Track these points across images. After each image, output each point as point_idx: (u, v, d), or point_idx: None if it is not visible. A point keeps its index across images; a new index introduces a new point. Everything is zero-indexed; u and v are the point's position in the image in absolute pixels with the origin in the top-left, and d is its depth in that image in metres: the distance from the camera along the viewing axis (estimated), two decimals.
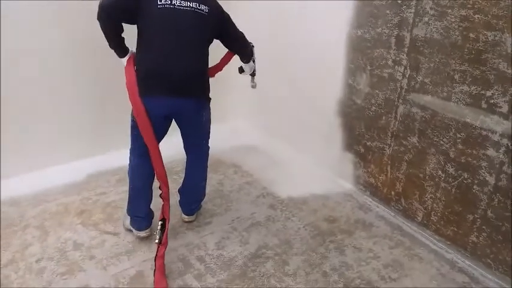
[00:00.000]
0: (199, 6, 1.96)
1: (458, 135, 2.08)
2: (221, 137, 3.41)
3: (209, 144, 2.34)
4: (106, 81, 2.76)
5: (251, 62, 2.39)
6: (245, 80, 3.44)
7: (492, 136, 1.94)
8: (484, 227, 2.06)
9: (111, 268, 2.08)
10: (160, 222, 2.05)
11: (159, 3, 1.90)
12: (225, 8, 2.13)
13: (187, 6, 1.93)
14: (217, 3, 2.11)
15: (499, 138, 1.91)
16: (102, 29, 1.91)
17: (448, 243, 2.26)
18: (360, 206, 2.65)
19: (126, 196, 2.63)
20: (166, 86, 1.97)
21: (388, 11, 2.27)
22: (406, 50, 2.24)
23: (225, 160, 3.16)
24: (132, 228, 2.30)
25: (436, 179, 2.24)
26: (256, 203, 2.65)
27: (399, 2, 2.20)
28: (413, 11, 2.15)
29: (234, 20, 2.18)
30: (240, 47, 2.28)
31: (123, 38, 2.01)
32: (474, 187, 2.07)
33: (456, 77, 2.03)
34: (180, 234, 2.34)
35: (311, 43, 2.83)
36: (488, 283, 2.06)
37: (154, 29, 1.95)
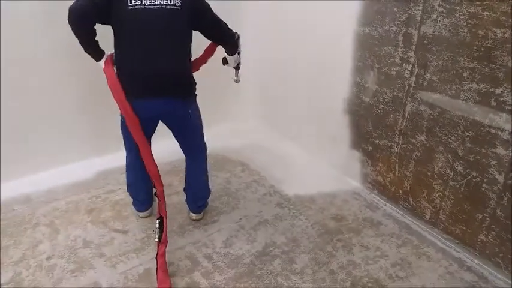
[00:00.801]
0: (170, 1, 1.91)
1: (467, 134, 2.06)
2: (228, 135, 3.45)
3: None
4: None
5: (236, 54, 2.32)
6: (251, 77, 3.44)
7: (501, 134, 1.92)
8: (493, 225, 2.05)
9: (120, 266, 2.11)
10: (158, 221, 2.04)
11: (129, 4, 1.87)
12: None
13: (158, 4, 1.89)
14: None
15: (508, 137, 1.89)
16: (74, 33, 1.88)
17: (457, 241, 2.25)
18: (367, 204, 2.65)
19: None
20: (147, 87, 1.95)
21: (395, 9, 2.26)
22: (414, 47, 2.22)
23: (232, 158, 3.17)
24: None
25: (445, 178, 2.22)
26: (264, 201, 2.66)
27: None
28: (421, 8, 2.13)
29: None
30: (223, 37, 2.19)
31: (97, 41, 1.99)
32: (483, 186, 2.05)
33: (465, 74, 2.01)
34: (187, 232, 2.36)
35: (319, 41, 2.82)
36: (497, 282, 2.05)
37: (127, 31, 1.93)
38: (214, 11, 2.07)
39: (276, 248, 2.25)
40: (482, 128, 1.99)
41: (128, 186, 2.41)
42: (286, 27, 3.08)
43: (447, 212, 2.26)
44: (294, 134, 3.31)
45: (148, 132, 2.11)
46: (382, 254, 2.22)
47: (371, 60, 2.48)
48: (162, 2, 1.90)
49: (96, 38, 1.95)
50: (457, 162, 2.14)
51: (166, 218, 2.07)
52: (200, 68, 2.27)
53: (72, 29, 1.86)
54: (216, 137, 3.38)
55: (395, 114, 2.43)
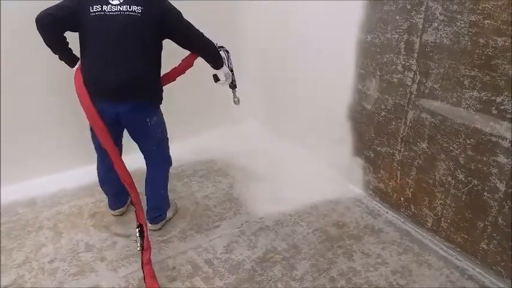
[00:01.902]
0: (130, 8, 1.92)
1: (468, 141, 2.06)
2: (230, 140, 3.47)
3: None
4: None
5: (225, 67, 2.27)
6: (254, 83, 3.46)
7: (502, 142, 1.91)
8: (494, 234, 2.04)
9: (122, 270, 2.12)
10: (137, 229, 2.03)
11: (91, 11, 1.91)
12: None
13: (117, 11, 1.91)
14: (158, 0, 2.02)
15: (509, 145, 1.89)
16: (44, 42, 1.94)
17: (458, 250, 2.24)
18: (369, 211, 2.65)
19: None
20: (105, 93, 1.98)
21: (397, 17, 2.27)
22: (415, 55, 2.23)
23: (235, 163, 3.19)
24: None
25: (446, 185, 2.22)
26: (265, 207, 2.66)
27: (409, 7, 2.20)
28: (422, 16, 2.14)
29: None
30: (199, 47, 2.15)
31: (70, 48, 2.04)
32: (484, 194, 2.04)
33: (466, 82, 2.01)
34: (189, 237, 2.37)
35: (321, 47, 2.84)
36: None
37: (90, 38, 1.96)
38: (185, 19, 2.06)
39: (277, 254, 2.25)
40: (483, 136, 1.99)
41: (100, 184, 2.45)
42: (290, 32, 3.10)
43: (449, 220, 2.25)
44: (296, 140, 3.32)
45: (114, 137, 2.11)
46: (382, 261, 2.22)
47: (373, 67, 2.50)
48: (121, 9, 1.91)
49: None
50: (459, 170, 2.14)
51: (145, 224, 2.06)
52: (176, 78, 2.23)
53: (42, 37, 1.92)
54: (218, 140, 3.44)
55: (397, 121, 2.43)
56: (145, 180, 2.36)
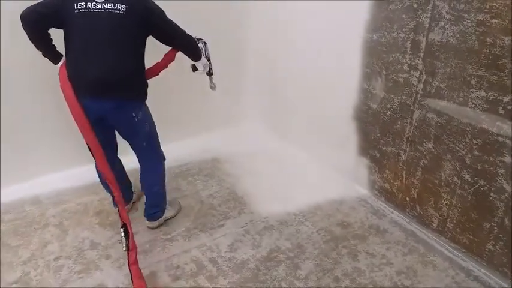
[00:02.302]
0: (114, 6, 1.93)
1: (475, 141, 2.04)
2: (235, 140, 3.47)
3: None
4: None
5: (203, 58, 2.32)
6: (258, 82, 3.46)
7: (509, 143, 1.90)
8: (500, 235, 2.02)
9: (126, 267, 2.11)
10: (122, 229, 2.01)
11: (75, 8, 1.91)
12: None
13: (101, 8, 1.92)
14: (143, 0, 2.04)
15: None
16: (29, 38, 1.95)
17: (464, 251, 2.22)
18: (374, 211, 2.63)
19: (142, 197, 2.70)
20: (90, 89, 1.98)
21: (404, 16, 2.26)
22: (421, 54, 2.22)
23: (239, 162, 3.19)
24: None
25: (452, 186, 2.21)
26: (269, 206, 2.66)
27: (415, 6, 2.18)
28: (429, 15, 2.13)
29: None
30: (181, 44, 2.20)
31: (53, 45, 2.04)
32: (491, 194, 2.03)
33: (473, 82, 2.00)
34: (193, 236, 2.38)
35: (326, 47, 2.83)
36: None
37: (74, 34, 1.97)
38: (168, 17, 2.08)
39: (281, 254, 2.25)
40: (490, 136, 1.97)
41: (101, 182, 2.43)
42: (294, 31, 3.09)
43: (454, 221, 2.23)
44: (300, 140, 3.31)
45: (103, 135, 2.10)
46: (387, 261, 2.21)
47: (379, 66, 2.48)
48: (105, 6, 1.92)
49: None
50: (465, 171, 2.12)
51: (129, 224, 2.04)
52: (159, 73, 2.27)
53: (26, 33, 1.93)
54: (223, 140, 3.44)
55: (402, 121, 2.42)
56: (140, 178, 2.37)
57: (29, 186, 2.75)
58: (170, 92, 2.83)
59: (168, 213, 2.48)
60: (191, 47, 2.24)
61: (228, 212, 2.60)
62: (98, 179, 2.41)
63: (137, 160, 2.35)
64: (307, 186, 2.89)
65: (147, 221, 2.41)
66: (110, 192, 2.41)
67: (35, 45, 2.01)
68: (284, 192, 2.82)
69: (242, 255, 2.23)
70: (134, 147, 2.28)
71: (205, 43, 2.35)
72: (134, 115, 2.11)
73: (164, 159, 2.38)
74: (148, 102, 2.20)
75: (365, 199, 2.75)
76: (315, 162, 3.15)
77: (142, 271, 2.09)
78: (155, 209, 2.41)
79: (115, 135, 2.29)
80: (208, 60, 2.39)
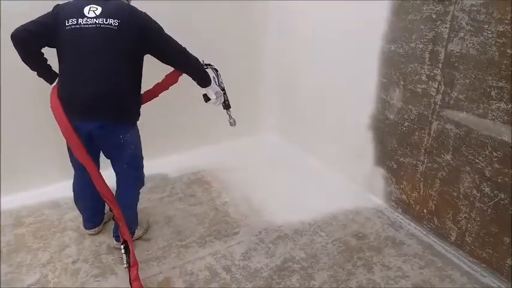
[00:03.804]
0: (106, 20, 1.84)
1: (495, 154, 2.00)
2: (251, 149, 3.49)
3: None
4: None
5: (214, 85, 2.17)
6: (273, 91, 3.43)
7: None
8: None
9: (141, 273, 2.13)
10: (122, 246, 1.96)
11: (67, 24, 1.85)
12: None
13: (93, 24, 1.84)
14: (138, 14, 1.95)
15: None
16: (21, 58, 1.90)
17: (483, 265, 2.17)
18: (390, 223, 2.60)
19: (159, 203, 2.74)
20: (76, 109, 1.90)
21: (422, 26, 2.24)
22: (440, 65, 2.19)
23: (255, 172, 3.20)
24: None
25: (471, 198, 2.16)
26: (285, 215, 2.65)
27: (434, 17, 2.17)
28: (448, 26, 2.11)
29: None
30: (181, 63, 2.06)
31: (48, 65, 1.99)
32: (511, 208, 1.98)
33: (493, 93, 1.97)
34: (208, 243, 2.39)
35: (344, 56, 2.83)
36: None
37: (65, 52, 1.90)
38: (166, 33, 1.97)
39: (295, 263, 2.24)
40: (510, 149, 1.93)
41: (75, 202, 2.36)
42: (311, 40, 3.11)
43: (473, 234, 2.19)
44: (317, 149, 3.30)
45: (91, 153, 1.99)
46: (403, 274, 2.17)
47: (396, 77, 2.47)
48: (97, 22, 1.84)
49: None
50: (484, 183, 2.08)
51: (130, 241, 1.99)
52: (159, 95, 2.15)
53: (19, 54, 1.88)
54: (238, 149, 3.46)
55: (420, 132, 2.39)
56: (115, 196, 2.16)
57: (48, 190, 2.81)
58: (186, 99, 2.84)
59: (136, 233, 2.37)
60: (194, 68, 2.10)
61: (243, 220, 2.60)
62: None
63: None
64: (323, 195, 2.87)
65: (114, 242, 2.29)
66: (83, 212, 2.38)
67: (28, 65, 1.95)
68: (299, 201, 2.81)
69: (256, 264, 2.23)
70: (114, 167, 2.17)
71: (216, 70, 2.20)
72: (121, 136, 2.01)
73: (143, 184, 2.29)
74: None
75: (381, 210, 2.72)
76: (331, 172, 3.13)
77: (156, 277, 2.11)
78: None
79: (99, 156, 2.19)
80: (223, 90, 2.23)
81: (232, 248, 2.35)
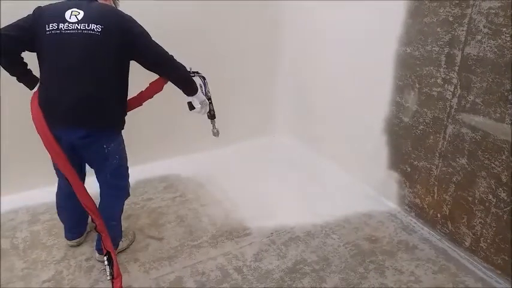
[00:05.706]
0: (88, 26, 1.75)
1: None
2: (264, 150, 3.49)
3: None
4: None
5: (200, 94, 2.09)
6: (288, 93, 3.42)
7: None
8: None
9: (153, 272, 2.17)
10: (105, 257, 1.89)
11: (47, 29, 1.76)
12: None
13: (74, 29, 1.75)
14: (122, 18, 1.85)
15: None
16: (0, 63, 1.84)
17: (498, 272, 2.13)
18: (404, 227, 2.57)
19: (171, 203, 2.75)
20: (59, 119, 1.82)
21: (438, 29, 2.22)
22: (457, 68, 2.17)
23: (267, 173, 3.20)
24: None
25: (486, 204, 2.13)
26: (297, 217, 2.64)
27: (451, 19, 2.15)
28: (465, 29, 2.08)
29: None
30: (166, 71, 1.96)
31: (29, 70, 1.93)
32: None
33: (510, 97, 1.93)
34: (219, 244, 2.39)
35: (359, 58, 2.81)
36: None
37: (45, 58, 1.82)
38: (152, 39, 1.88)
39: (307, 266, 2.23)
40: None
41: (57, 211, 2.31)
42: (326, 41, 3.10)
43: (488, 240, 2.15)
44: (330, 151, 3.29)
45: (73, 163, 1.90)
46: (416, 279, 2.15)
47: (412, 80, 2.45)
48: (78, 27, 1.76)
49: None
50: (500, 189, 2.05)
51: (113, 252, 1.92)
52: (143, 103, 2.08)
53: None
54: (251, 150, 3.46)
55: (435, 135, 2.36)
56: (98, 208, 2.03)
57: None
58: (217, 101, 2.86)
59: (121, 245, 2.30)
60: (180, 77, 2.00)
61: (254, 221, 2.61)
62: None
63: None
64: (336, 198, 2.86)
65: (97, 254, 2.21)
66: (65, 222, 2.32)
67: (8, 71, 1.89)
68: (312, 203, 2.80)
69: (267, 265, 2.23)
70: (97, 177, 2.10)
71: (203, 78, 2.12)
72: (105, 146, 1.93)
73: (128, 194, 2.22)
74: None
75: (394, 214, 2.70)
76: (344, 174, 3.11)
77: (168, 276, 2.13)
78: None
79: (85, 163, 2.12)
80: (209, 99, 2.16)
81: (244, 248, 2.36)
